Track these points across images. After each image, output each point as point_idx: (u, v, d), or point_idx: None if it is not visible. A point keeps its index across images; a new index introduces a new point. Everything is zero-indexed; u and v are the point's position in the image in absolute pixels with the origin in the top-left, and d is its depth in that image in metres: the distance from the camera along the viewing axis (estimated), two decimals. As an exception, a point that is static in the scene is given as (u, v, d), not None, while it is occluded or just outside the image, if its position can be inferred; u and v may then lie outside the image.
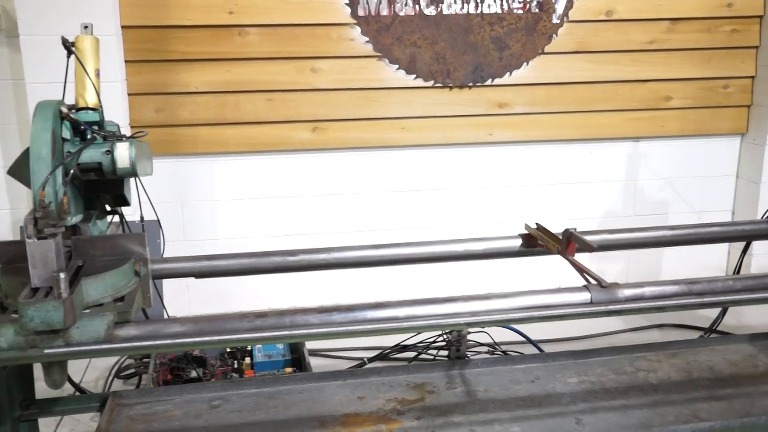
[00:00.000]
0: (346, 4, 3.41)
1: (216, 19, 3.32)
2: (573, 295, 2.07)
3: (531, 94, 3.69)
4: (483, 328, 2.58)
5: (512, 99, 3.69)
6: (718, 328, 3.41)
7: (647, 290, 2.10)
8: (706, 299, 2.08)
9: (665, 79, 3.80)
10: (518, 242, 2.55)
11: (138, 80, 3.35)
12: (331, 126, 3.57)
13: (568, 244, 2.30)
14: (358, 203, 3.70)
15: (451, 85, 3.60)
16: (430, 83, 3.58)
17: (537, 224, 2.54)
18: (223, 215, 3.60)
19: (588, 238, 2.56)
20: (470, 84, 3.62)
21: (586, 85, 3.74)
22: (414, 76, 3.55)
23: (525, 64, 3.63)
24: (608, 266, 4.04)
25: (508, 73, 3.63)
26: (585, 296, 2.07)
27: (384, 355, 2.93)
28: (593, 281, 2.12)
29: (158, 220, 3.40)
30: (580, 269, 2.20)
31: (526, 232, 2.55)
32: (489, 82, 3.63)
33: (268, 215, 3.64)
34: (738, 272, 3.10)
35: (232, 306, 3.71)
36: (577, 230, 2.37)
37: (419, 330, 2.01)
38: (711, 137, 3.95)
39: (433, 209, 3.78)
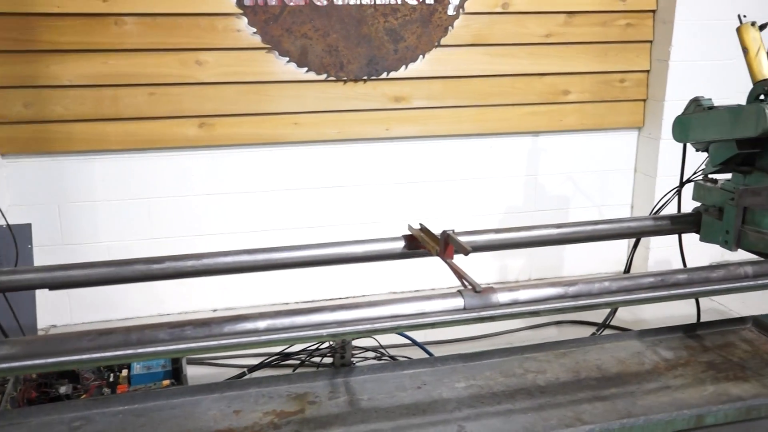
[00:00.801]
0: (231, -8, 3.25)
1: (88, 6, 3.10)
2: (446, 302, 1.99)
3: (428, 87, 3.61)
4: (349, 339, 2.47)
5: (409, 93, 3.59)
6: (615, 324, 3.43)
7: (522, 294, 2.03)
8: (581, 302, 2.03)
9: (563, 72, 3.78)
10: (401, 244, 2.46)
11: (1, 72, 3.10)
12: (219, 122, 3.39)
13: (446, 246, 2.21)
14: (249, 202, 3.54)
15: (345, 78, 3.48)
16: (323, 77, 3.45)
17: (420, 225, 2.45)
18: (104, 217, 3.38)
19: (469, 238, 2.50)
20: (365, 77, 3.50)
21: (483, 79, 3.67)
22: (306, 69, 3.41)
23: (421, 57, 3.54)
24: (510, 262, 4.01)
25: (403, 66, 3.53)
26: (458, 302, 1.99)
27: (267, 363, 2.79)
28: (469, 286, 2.03)
29: (29, 225, 3.19)
30: (457, 273, 2.12)
31: (409, 233, 2.46)
32: (384, 75, 3.52)
33: (154, 217, 3.44)
34: (628, 270, 3.09)
35: (119, 313, 3.52)
36: (455, 231, 2.29)
37: (278, 344, 1.88)
38: (609, 131, 3.96)
39: (330, 207, 3.66)
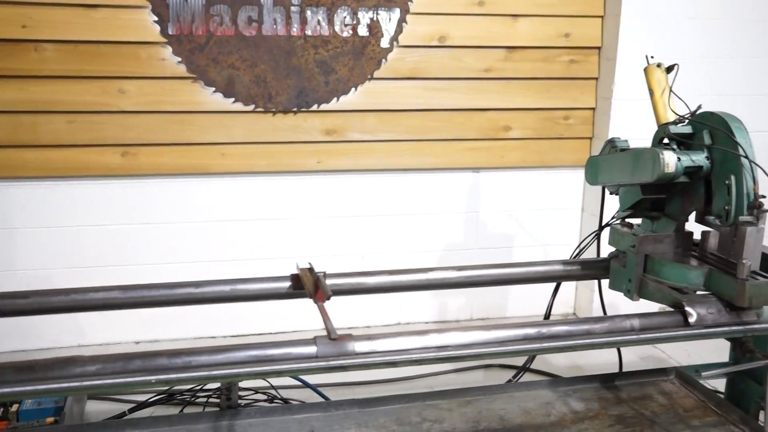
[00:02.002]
0: (156, 21, 3.20)
1: (6, 32, 3.06)
2: (298, 349, 1.89)
3: (361, 120, 3.53)
4: (202, 384, 2.38)
5: (341, 126, 3.52)
6: (544, 370, 3.29)
7: (381, 344, 1.93)
8: (444, 353, 1.92)
9: (504, 108, 3.69)
10: (287, 284, 2.37)
11: None
12: (142, 151, 3.33)
13: (316, 288, 2.11)
14: (173, 233, 3.46)
15: (274, 110, 3.41)
16: (251, 107, 3.38)
17: (309, 263, 2.35)
18: (23, 245, 3.32)
19: (350, 281, 2.41)
20: (294, 109, 3.43)
21: (419, 113, 3.59)
22: (233, 99, 3.35)
23: (353, 89, 3.47)
24: (450, 300, 3.90)
25: (335, 99, 3.46)
26: (311, 350, 1.89)
27: (150, 402, 2.69)
28: (327, 332, 1.93)
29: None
30: (323, 317, 2.02)
31: (296, 272, 2.37)
32: (315, 107, 3.45)
33: (74, 246, 3.37)
34: (548, 316, 2.97)
35: (42, 341, 3.44)
36: (325, 274, 2.20)
37: (119, 389, 1.79)
38: (554, 169, 3.85)
39: (258, 240, 3.57)
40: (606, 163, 2.52)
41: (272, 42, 3.33)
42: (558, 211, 3.92)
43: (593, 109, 3.79)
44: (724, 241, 2.24)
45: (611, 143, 2.56)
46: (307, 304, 2.23)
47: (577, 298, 4.07)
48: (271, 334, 3.69)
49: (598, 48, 3.71)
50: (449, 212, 3.79)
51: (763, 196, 2.08)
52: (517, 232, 3.91)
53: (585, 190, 3.93)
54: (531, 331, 2.03)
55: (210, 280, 2.32)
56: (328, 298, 2.01)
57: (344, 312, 3.71)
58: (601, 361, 3.37)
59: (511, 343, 1.98)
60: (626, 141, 2.55)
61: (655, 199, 2.43)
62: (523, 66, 3.66)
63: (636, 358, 3.50)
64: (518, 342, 1.98)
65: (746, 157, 2.09)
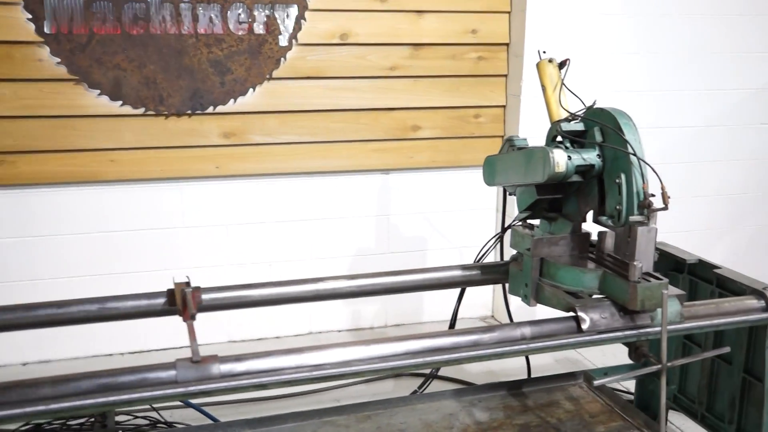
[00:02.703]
0: (29, 19, 2.97)
1: None
2: (156, 374, 1.71)
3: (261, 122, 3.37)
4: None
5: (240, 128, 3.34)
6: (454, 377, 3.19)
7: (249, 365, 1.77)
8: (317, 373, 1.78)
9: (411, 107, 3.57)
10: (162, 300, 2.19)
11: None
12: (21, 159, 3.09)
13: (184, 306, 1.95)
14: (59, 245, 3.23)
15: (167, 112, 3.22)
16: (141, 110, 3.18)
17: (186, 277, 2.18)
18: None
19: (231, 294, 2.25)
20: (189, 112, 3.25)
21: (323, 114, 3.45)
22: (120, 102, 3.14)
23: (251, 90, 3.30)
24: (363, 308, 3.76)
25: (232, 100, 3.29)
26: (170, 374, 1.71)
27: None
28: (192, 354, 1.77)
29: None
30: (190, 337, 1.85)
31: (172, 287, 2.19)
32: (211, 109, 3.27)
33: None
34: (453, 324, 2.86)
35: None
36: (200, 287, 2.04)
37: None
38: (467, 169, 3.74)
39: (155, 251, 3.37)
40: (501, 162, 2.42)
41: (161, 41, 3.14)
42: (473, 212, 3.83)
43: (504, 106, 3.70)
44: (620, 242, 2.15)
45: (509, 142, 2.46)
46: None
47: (495, 300, 3.98)
48: (175, 349, 3.49)
49: (507, 44, 3.63)
50: (359, 216, 3.66)
51: (653, 195, 2.00)
52: (431, 235, 3.80)
53: (499, 189, 3.85)
54: (414, 344, 1.90)
55: (75, 299, 2.13)
56: (193, 317, 1.84)
57: (250, 323, 3.59)
58: (516, 365, 3.28)
59: (392, 359, 1.85)
60: (525, 139, 2.46)
61: (552, 199, 2.34)
62: (430, 63, 3.55)
63: (551, 360, 3.43)
64: (399, 357, 1.85)
65: (635, 154, 2.01)
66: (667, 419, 2.30)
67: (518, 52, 3.56)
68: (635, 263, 1.97)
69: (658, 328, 1.99)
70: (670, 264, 2.68)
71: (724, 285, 2.44)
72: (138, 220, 3.33)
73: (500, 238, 2.70)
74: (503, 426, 2.48)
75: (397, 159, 3.62)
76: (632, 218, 2.01)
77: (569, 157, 2.10)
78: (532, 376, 2.89)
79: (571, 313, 2.04)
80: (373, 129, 3.54)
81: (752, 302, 2.21)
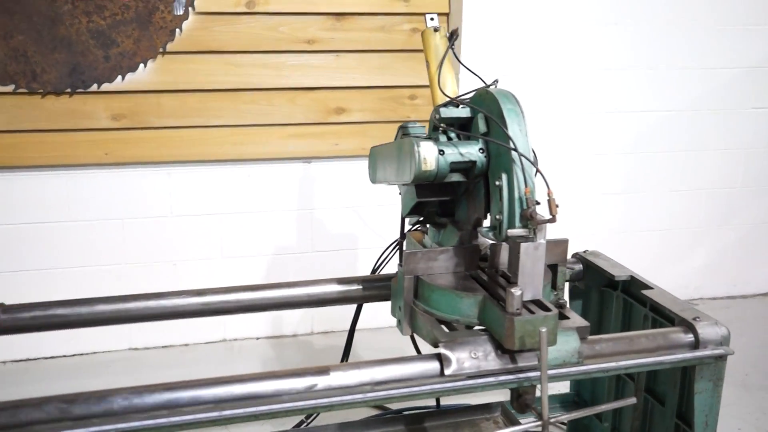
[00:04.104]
0: None
1: None
2: None
3: (157, 103, 2.94)
4: None
5: (132, 109, 2.93)
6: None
7: None
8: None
9: (334, 87, 3.12)
10: None
11: None
12: None
13: None
14: None
15: (42, 91, 2.81)
16: (11, 88, 2.78)
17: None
18: None
19: (37, 314, 1.84)
20: (69, 90, 2.83)
21: (230, 93, 3.01)
22: (-15, 78, 2.75)
23: (142, 65, 2.88)
24: (286, 312, 3.34)
25: (119, 77, 2.87)
26: None
27: None
28: None
29: None
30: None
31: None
32: (95, 87, 2.86)
33: None
34: (346, 358, 2.44)
35: None
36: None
37: None
38: (403, 157, 3.30)
39: (36, 248, 2.98)
40: (380, 155, 1.97)
41: (31, 7, 2.72)
42: (410, 206, 3.38)
43: (444, 87, 3.23)
44: (511, 259, 1.70)
45: (403, 129, 2.01)
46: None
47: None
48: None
49: (447, 15, 3.16)
50: (277, 210, 3.23)
51: (537, 203, 1.55)
52: (362, 232, 3.36)
53: (440, 181, 3.39)
54: (219, 390, 1.48)
55: None
56: None
57: (153, 328, 3.18)
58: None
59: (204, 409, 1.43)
60: (423, 127, 2.00)
61: (440, 202, 1.90)
62: (355, 36, 3.09)
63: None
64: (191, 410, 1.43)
65: (516, 149, 1.55)
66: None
67: (459, 22, 3.09)
68: (513, 290, 1.52)
69: (537, 373, 1.55)
70: (603, 280, 2.22)
71: (657, 309, 1.98)
72: (17, 212, 2.93)
73: (399, 245, 2.26)
74: (389, 474, 2.06)
75: (319, 146, 3.18)
76: (511, 232, 1.55)
77: (441, 152, 1.65)
78: (441, 406, 2.46)
79: (436, 350, 1.61)
80: (291, 112, 3.10)
81: (679, 336, 1.75)
